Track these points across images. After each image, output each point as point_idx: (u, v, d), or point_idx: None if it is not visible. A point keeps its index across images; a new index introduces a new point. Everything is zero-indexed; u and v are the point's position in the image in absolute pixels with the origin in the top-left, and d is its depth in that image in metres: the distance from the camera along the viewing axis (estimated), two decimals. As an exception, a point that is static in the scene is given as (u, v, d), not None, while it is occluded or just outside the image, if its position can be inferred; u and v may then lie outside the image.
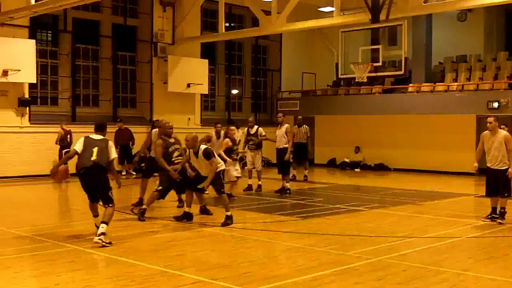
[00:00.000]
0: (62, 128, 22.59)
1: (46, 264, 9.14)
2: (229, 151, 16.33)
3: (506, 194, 13.44)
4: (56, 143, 22.35)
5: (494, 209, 13.65)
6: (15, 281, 8.22)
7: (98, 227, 10.75)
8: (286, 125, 18.98)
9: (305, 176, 23.00)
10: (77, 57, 25.91)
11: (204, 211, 14.17)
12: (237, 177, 17.12)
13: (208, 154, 12.67)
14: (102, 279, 8.22)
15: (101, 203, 11.06)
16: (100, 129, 11.36)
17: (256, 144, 18.90)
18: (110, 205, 10.93)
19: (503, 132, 13.41)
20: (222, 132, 17.85)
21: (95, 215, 11.51)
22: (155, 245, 10.83)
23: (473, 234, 12.44)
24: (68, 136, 22.43)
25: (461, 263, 9.61)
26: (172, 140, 14.08)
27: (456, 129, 26.07)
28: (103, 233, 10.47)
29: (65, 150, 22.04)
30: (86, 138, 11.11)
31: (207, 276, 8.45)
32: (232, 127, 17.41)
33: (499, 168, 13.24)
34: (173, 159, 13.74)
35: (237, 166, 17.15)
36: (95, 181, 10.93)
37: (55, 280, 8.20)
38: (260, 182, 19.16)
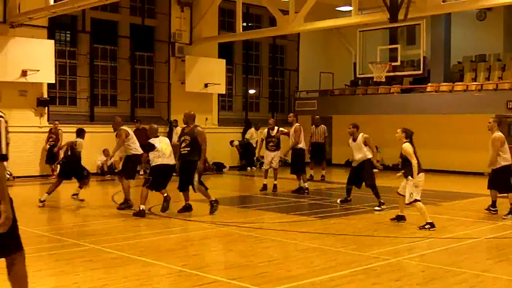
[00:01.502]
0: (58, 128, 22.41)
1: (64, 263, 9.18)
2: None
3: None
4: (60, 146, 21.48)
5: (493, 202, 14.63)
6: (34, 279, 8.23)
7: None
8: (296, 124, 19.00)
9: (323, 176, 22.95)
10: (95, 57, 26.03)
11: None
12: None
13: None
14: (119, 278, 8.23)
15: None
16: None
17: (276, 145, 19.09)
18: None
19: (495, 134, 14.41)
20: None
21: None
22: (173, 244, 10.86)
23: (492, 235, 12.37)
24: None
25: (479, 264, 9.55)
26: (186, 130, 14.18)
27: (475, 129, 25.81)
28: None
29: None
30: None
31: (224, 276, 8.46)
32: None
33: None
34: (180, 149, 14.08)
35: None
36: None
37: (73, 279, 8.23)
38: (276, 182, 19.17)
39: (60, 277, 8.43)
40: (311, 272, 8.81)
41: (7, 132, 5.83)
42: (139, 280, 8.11)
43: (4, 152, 5.75)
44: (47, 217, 14.41)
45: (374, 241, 11.32)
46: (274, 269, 8.95)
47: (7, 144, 5.86)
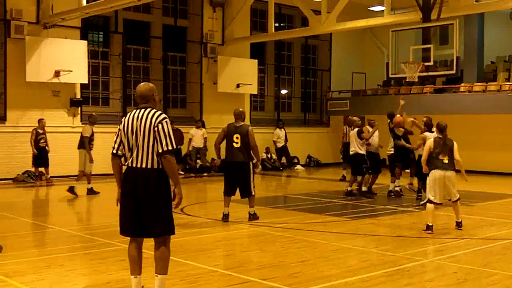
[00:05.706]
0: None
1: (97, 262, 9.24)
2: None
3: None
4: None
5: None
6: (67, 279, 8.33)
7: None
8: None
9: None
10: (128, 58, 26.18)
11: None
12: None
13: None
14: (151, 278, 8.22)
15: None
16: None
17: None
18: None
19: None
20: None
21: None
22: (204, 244, 10.87)
23: (527, 236, 12.25)
24: None
25: (513, 265, 9.47)
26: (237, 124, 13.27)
27: (508, 129, 25.67)
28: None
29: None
30: None
31: (256, 276, 8.45)
32: None
33: None
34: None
35: None
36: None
37: (106, 278, 8.29)
38: None
39: (93, 277, 8.50)
40: (344, 272, 8.78)
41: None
42: (170, 280, 8.12)
43: (175, 147, 6.94)
44: (80, 217, 14.51)
45: (406, 241, 11.26)
46: (306, 269, 8.94)
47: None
